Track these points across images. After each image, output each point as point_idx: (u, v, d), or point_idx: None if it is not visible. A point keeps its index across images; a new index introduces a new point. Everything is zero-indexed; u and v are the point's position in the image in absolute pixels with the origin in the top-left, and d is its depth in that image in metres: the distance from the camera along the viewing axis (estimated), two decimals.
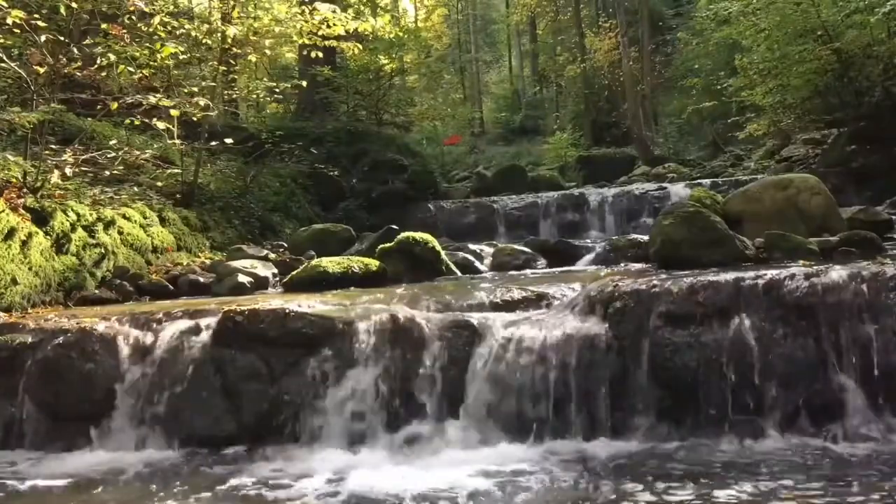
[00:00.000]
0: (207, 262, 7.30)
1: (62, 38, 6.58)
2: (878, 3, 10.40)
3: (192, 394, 4.17)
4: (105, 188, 7.28)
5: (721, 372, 3.78)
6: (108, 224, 6.45)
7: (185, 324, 4.47)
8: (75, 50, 6.62)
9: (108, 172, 7.29)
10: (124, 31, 6.88)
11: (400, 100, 18.14)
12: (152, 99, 6.74)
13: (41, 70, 6.25)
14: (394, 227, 7.41)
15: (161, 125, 7.04)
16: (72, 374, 4.27)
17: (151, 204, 7.57)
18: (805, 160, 13.12)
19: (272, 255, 7.38)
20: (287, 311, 4.29)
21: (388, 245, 6.35)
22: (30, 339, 4.41)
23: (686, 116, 20.96)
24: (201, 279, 6.38)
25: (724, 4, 14.34)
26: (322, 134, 13.54)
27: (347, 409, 3.98)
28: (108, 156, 7.23)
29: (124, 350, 4.32)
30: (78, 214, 6.08)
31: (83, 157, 6.92)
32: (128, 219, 6.81)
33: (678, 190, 11.30)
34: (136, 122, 7.33)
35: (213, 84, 8.67)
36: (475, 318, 4.24)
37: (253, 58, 10.12)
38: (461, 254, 6.91)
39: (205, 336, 4.33)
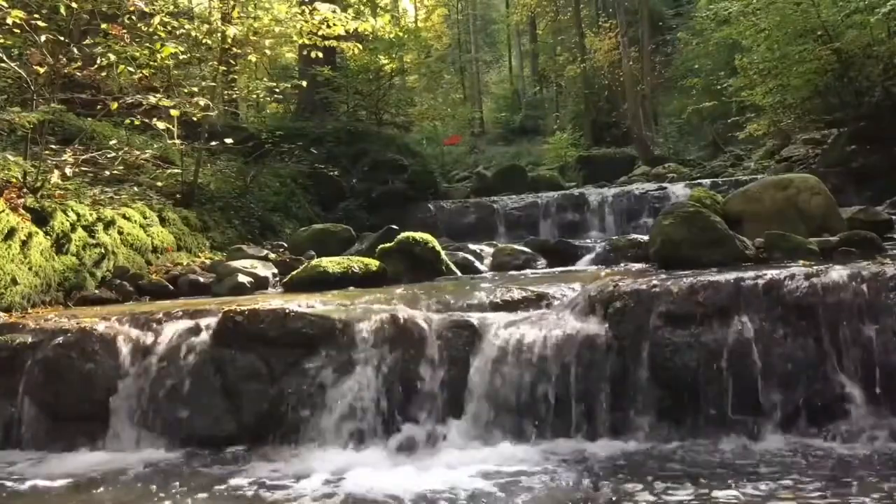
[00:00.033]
0: (207, 262, 7.31)
1: (62, 38, 6.58)
2: (878, 3, 10.39)
3: (192, 394, 4.17)
4: (105, 188, 7.29)
5: (721, 372, 3.78)
6: (108, 224, 6.45)
7: (185, 324, 4.47)
8: (75, 50, 6.63)
9: (108, 172, 7.29)
10: (124, 31, 6.89)
11: (400, 100, 18.14)
12: (152, 99, 6.74)
13: (41, 70, 6.25)
14: (394, 227, 7.42)
15: (161, 125, 7.05)
16: (72, 374, 4.27)
17: (151, 204, 7.57)
18: (805, 160, 13.12)
19: (272, 255, 7.38)
20: (287, 311, 4.29)
21: (388, 245, 6.35)
22: (30, 339, 4.41)
23: (686, 116, 20.96)
24: (201, 279, 6.38)
25: (724, 4, 14.33)
26: (322, 134, 13.54)
27: (347, 409, 3.97)
28: (108, 156, 7.23)
29: (124, 350, 4.32)
30: (78, 214, 6.08)
31: (83, 157, 6.93)
32: (128, 219, 6.81)
33: (678, 190, 11.29)
34: (136, 122, 7.34)
35: (213, 84, 8.67)
36: (475, 318, 4.24)
37: (253, 58, 10.12)
38: (461, 254, 6.91)
39: (205, 336, 4.34)
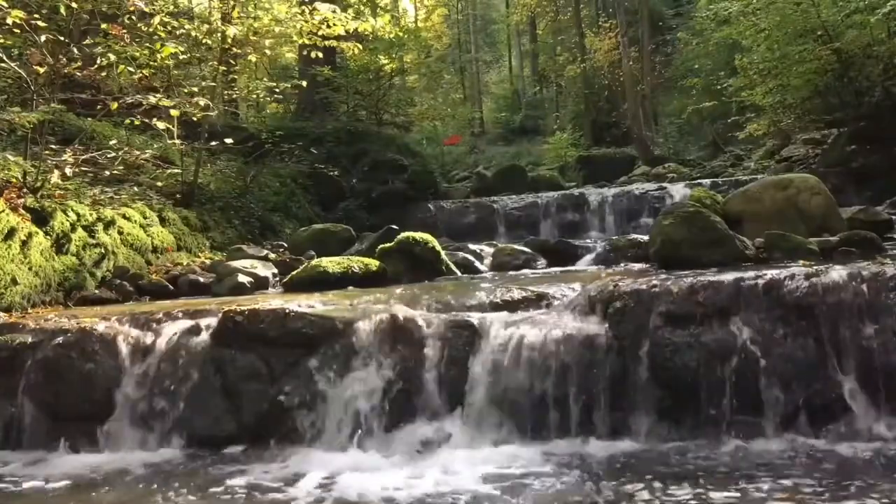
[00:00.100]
0: (207, 262, 7.31)
1: (62, 38, 6.59)
2: (878, 3, 10.40)
3: (192, 394, 4.17)
4: (105, 188, 7.29)
5: (721, 372, 3.78)
6: (108, 224, 6.45)
7: (185, 324, 4.47)
8: (75, 50, 6.63)
9: (108, 172, 7.29)
10: (124, 31, 6.89)
11: (400, 100, 18.14)
12: (152, 99, 6.74)
13: (41, 70, 6.25)
14: (394, 227, 7.42)
15: (161, 125, 7.05)
16: (72, 374, 4.27)
17: (151, 204, 7.57)
18: (805, 160, 13.12)
19: (272, 255, 7.38)
20: (287, 311, 4.29)
21: (388, 245, 6.35)
22: (30, 339, 4.41)
23: (686, 116, 20.96)
24: (201, 279, 6.39)
25: (724, 4, 14.33)
26: (322, 134, 13.54)
27: (347, 410, 3.98)
28: (108, 156, 7.24)
29: (124, 350, 4.32)
30: (78, 214, 6.08)
31: (83, 157, 6.93)
32: (128, 219, 6.81)
33: (678, 190, 11.29)
34: (136, 122, 7.34)
35: (213, 84, 8.67)
36: (475, 318, 4.24)
37: (253, 58, 10.13)
38: (461, 254, 6.91)
39: (205, 336, 4.34)
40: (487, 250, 7.36)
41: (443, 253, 6.44)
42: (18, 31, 6.23)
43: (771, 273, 4.06)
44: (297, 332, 4.21)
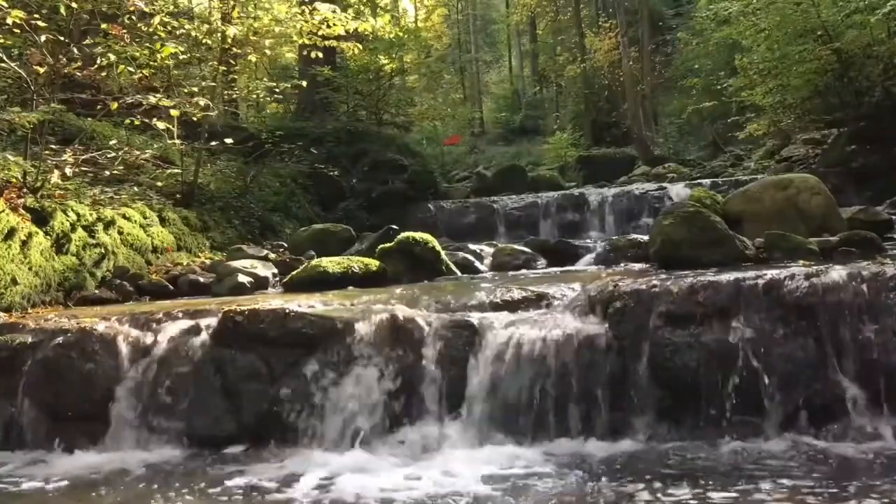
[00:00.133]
0: (207, 262, 7.31)
1: (62, 38, 6.58)
2: (878, 3, 10.40)
3: (192, 394, 4.17)
4: (105, 188, 7.29)
5: (721, 372, 3.78)
6: (108, 224, 6.45)
7: (185, 324, 4.47)
8: (75, 50, 6.63)
9: (108, 172, 7.29)
10: (124, 31, 6.88)
11: (400, 100, 18.14)
12: (152, 99, 6.74)
13: (41, 70, 6.25)
14: (394, 227, 7.42)
15: (161, 125, 7.05)
16: (72, 374, 4.27)
17: (151, 204, 7.57)
18: (805, 160, 13.12)
19: (272, 255, 7.38)
20: (287, 311, 4.29)
21: (388, 245, 6.35)
22: (30, 339, 4.41)
23: (686, 116, 20.96)
24: (201, 279, 6.38)
25: (724, 4, 14.33)
26: (322, 134, 13.54)
27: (347, 410, 3.98)
28: (108, 156, 7.23)
29: (124, 350, 4.32)
30: (78, 214, 6.08)
31: (83, 157, 6.93)
32: (128, 219, 6.81)
33: (678, 190, 11.29)
34: (136, 122, 7.34)
35: (213, 84, 8.67)
36: (475, 318, 4.24)
37: (253, 58, 10.12)
38: (461, 254, 6.91)
39: (205, 336, 4.34)
40: (487, 250, 7.36)
41: (443, 253, 6.43)
42: (18, 31, 6.22)
43: (771, 273, 4.06)
44: (297, 332, 4.21)
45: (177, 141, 7.76)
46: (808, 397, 3.69)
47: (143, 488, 3.51)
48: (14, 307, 5.13)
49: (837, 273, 3.93)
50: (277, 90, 10.33)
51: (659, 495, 3.04)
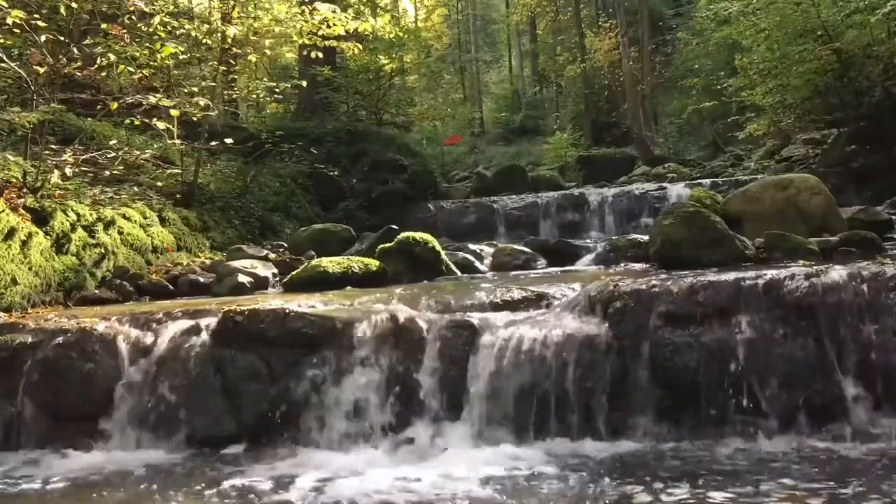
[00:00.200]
0: (207, 262, 7.31)
1: (62, 38, 6.58)
2: (878, 3, 10.40)
3: (192, 394, 4.17)
4: (105, 188, 7.29)
5: (721, 372, 3.78)
6: (108, 224, 6.45)
7: (185, 324, 4.47)
8: (75, 50, 6.63)
9: (108, 172, 7.29)
10: (124, 31, 6.88)
11: (400, 100, 18.14)
12: (152, 99, 6.74)
13: (41, 70, 6.25)
14: (394, 227, 7.42)
15: (161, 125, 7.05)
16: (72, 374, 4.27)
17: (151, 204, 7.57)
18: (805, 160, 13.12)
19: (272, 255, 7.38)
20: (287, 311, 4.29)
21: (388, 245, 6.35)
22: (30, 339, 4.41)
23: (686, 116, 20.96)
24: (201, 279, 6.38)
25: (724, 4, 14.33)
26: (322, 134, 13.54)
27: (347, 410, 3.98)
28: (108, 156, 7.23)
29: (124, 350, 4.32)
30: (78, 214, 6.08)
31: (83, 157, 6.93)
32: (128, 219, 6.81)
33: (678, 190, 11.29)
34: (136, 122, 7.34)
35: (213, 84, 8.67)
36: (475, 318, 4.24)
37: (253, 58, 10.13)
38: (461, 254, 6.91)
39: (205, 336, 4.34)
40: (487, 250, 7.35)
41: (443, 253, 6.43)
42: (18, 31, 6.22)
43: (771, 273, 4.06)
44: (297, 332, 4.21)
45: (177, 141, 7.76)
46: (808, 397, 3.69)
47: (143, 488, 3.51)
48: (14, 307, 5.13)
49: (837, 273, 3.93)
50: (277, 90, 10.34)
51: (659, 496, 3.04)
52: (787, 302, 3.87)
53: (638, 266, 6.02)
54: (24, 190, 5.94)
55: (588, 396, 3.87)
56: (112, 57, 6.78)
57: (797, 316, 3.83)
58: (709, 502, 2.95)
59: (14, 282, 5.18)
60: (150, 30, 7.33)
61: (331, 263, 6.05)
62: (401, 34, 15.07)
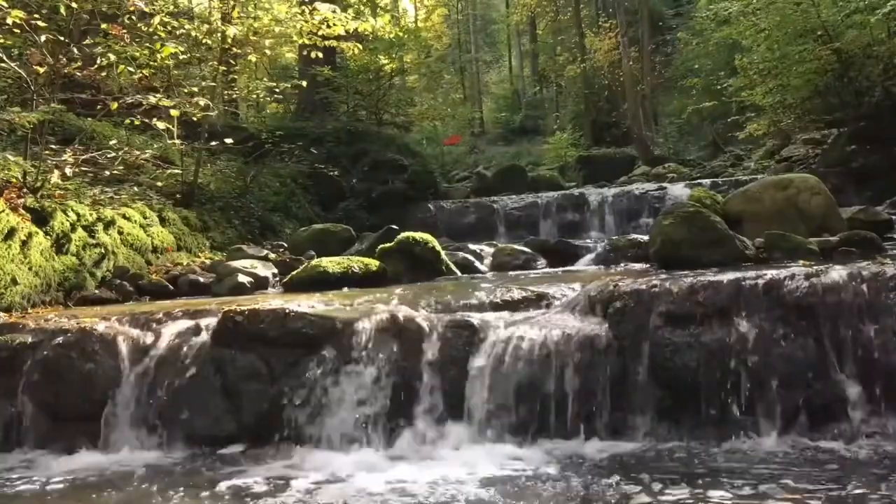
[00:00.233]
0: (207, 262, 7.31)
1: (62, 38, 6.58)
2: (878, 3, 10.40)
3: (192, 394, 4.17)
4: (105, 188, 7.29)
5: (721, 372, 3.78)
6: (108, 224, 6.45)
7: (185, 324, 4.47)
8: (75, 50, 6.62)
9: (108, 172, 7.29)
10: (124, 31, 6.88)
11: (400, 100, 18.14)
12: (152, 99, 6.74)
13: (41, 70, 6.25)
14: (394, 227, 7.42)
15: (161, 125, 7.05)
16: (72, 374, 4.27)
17: (151, 204, 7.57)
18: (805, 160, 13.12)
19: (272, 255, 7.38)
20: (287, 311, 4.29)
21: (388, 245, 6.35)
22: (30, 339, 4.41)
23: (686, 116, 20.96)
24: (201, 279, 6.39)
25: (724, 4, 14.33)
26: (322, 134, 13.55)
27: (347, 410, 3.97)
28: (108, 156, 7.23)
29: (124, 350, 4.32)
30: (78, 214, 6.08)
31: (83, 157, 6.93)
32: (128, 219, 6.81)
33: (678, 190, 11.29)
34: (136, 122, 7.34)
35: (213, 84, 8.67)
36: (475, 318, 4.24)
37: (253, 58, 10.13)
38: (461, 254, 6.91)
39: (205, 336, 4.34)
40: (487, 250, 7.36)
41: (443, 253, 6.43)
42: (18, 31, 6.22)
43: (771, 273, 4.06)
44: (297, 332, 4.21)
45: (177, 141, 7.76)
46: (808, 397, 3.69)
47: (143, 488, 3.51)
48: (14, 307, 5.13)
49: (837, 273, 3.93)
50: (277, 90, 10.34)
51: (658, 496, 3.04)
52: (787, 302, 3.87)
53: (638, 266, 6.02)
54: (24, 190, 5.94)
55: (588, 396, 3.87)
56: (112, 57, 6.78)
57: (797, 316, 3.83)
58: (708, 502, 2.95)
59: (14, 282, 5.18)
60: (150, 30, 7.34)
61: (331, 263, 6.05)
62: (401, 34, 15.08)
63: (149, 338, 4.40)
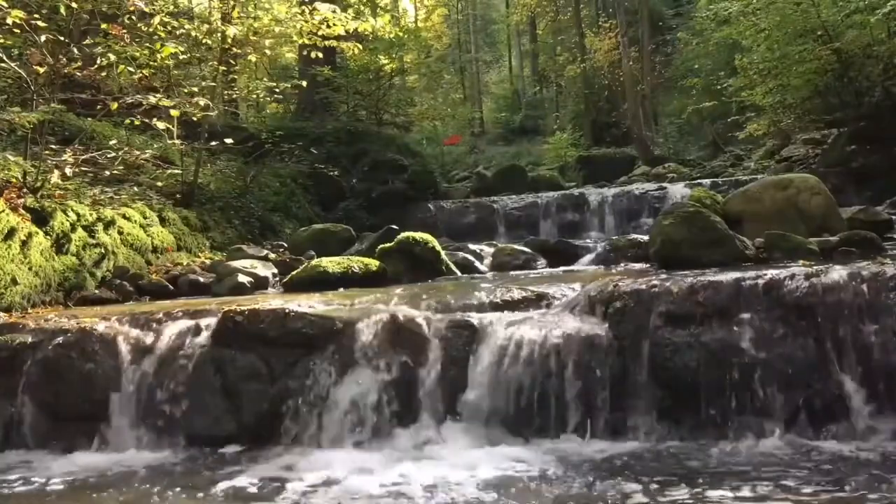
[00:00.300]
0: (207, 262, 7.31)
1: (62, 38, 6.58)
2: (878, 3, 10.40)
3: (192, 394, 4.17)
4: (105, 188, 7.29)
5: (721, 372, 3.78)
6: (108, 224, 6.45)
7: (185, 324, 4.47)
8: (75, 50, 6.62)
9: (108, 172, 7.29)
10: (124, 31, 6.88)
11: (400, 100, 18.14)
12: (152, 99, 6.74)
13: (41, 70, 6.25)
14: (394, 227, 7.42)
15: (161, 125, 7.04)
16: (72, 374, 4.27)
17: (151, 204, 7.57)
18: (805, 160, 13.12)
19: (272, 255, 7.38)
20: (287, 311, 4.29)
21: (388, 245, 6.35)
22: (30, 339, 4.41)
23: (686, 116, 20.96)
24: (201, 279, 6.38)
25: (724, 4, 14.33)
26: (322, 134, 13.55)
27: (347, 410, 3.97)
28: (108, 156, 7.23)
29: (124, 350, 4.32)
30: (78, 214, 6.08)
31: (83, 157, 6.92)
32: (128, 219, 6.81)
33: (678, 190, 11.29)
34: (136, 122, 7.34)
35: (213, 84, 8.67)
36: (475, 318, 4.24)
37: (253, 58, 10.13)
38: (461, 254, 6.91)
39: (205, 336, 4.34)
40: (487, 250, 7.35)
41: (443, 253, 6.43)
42: (18, 31, 6.22)
43: (771, 273, 4.07)
44: (297, 332, 4.21)
45: (177, 141, 7.76)
46: (808, 397, 3.69)
47: (144, 488, 3.51)
48: (14, 307, 5.13)
49: (837, 273, 3.93)
50: (277, 90, 10.34)
51: (658, 496, 3.04)
52: (787, 302, 3.87)
53: (638, 266, 6.02)
54: (24, 190, 5.94)
55: (588, 396, 3.87)
56: (112, 57, 6.78)
57: (797, 316, 3.83)
58: (708, 503, 2.95)
59: (14, 282, 5.18)
60: (150, 30, 7.34)
61: (331, 263, 6.05)
62: (401, 34, 15.07)
63: (149, 338, 4.40)
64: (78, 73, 6.74)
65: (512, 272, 6.59)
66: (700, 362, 3.82)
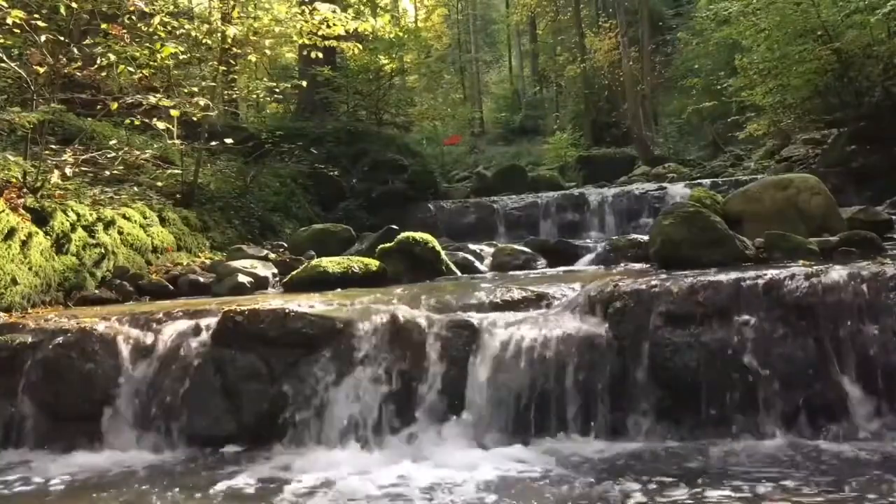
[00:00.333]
0: (207, 262, 7.31)
1: (62, 38, 6.58)
2: (878, 3, 10.40)
3: (192, 394, 4.17)
4: (105, 188, 7.29)
5: (721, 372, 3.79)
6: (108, 224, 6.45)
7: (185, 324, 4.47)
8: (75, 50, 6.62)
9: (108, 172, 7.29)
10: (124, 31, 6.88)
11: (400, 100, 18.14)
12: (152, 99, 6.74)
13: (41, 70, 6.25)
14: (394, 227, 7.42)
15: (161, 125, 7.04)
16: (72, 374, 4.27)
17: (151, 204, 7.57)
18: (805, 160, 13.12)
19: (272, 255, 7.38)
20: (287, 311, 4.29)
21: (388, 245, 6.35)
22: (30, 339, 4.41)
23: (686, 116, 20.96)
24: (201, 279, 6.38)
25: (724, 4, 14.34)
26: (322, 134, 13.55)
27: (347, 410, 3.98)
28: (108, 156, 7.23)
29: (124, 350, 4.32)
30: (78, 214, 6.08)
31: (83, 157, 6.92)
32: (128, 219, 6.81)
33: (678, 190, 11.29)
34: (136, 122, 7.33)
35: (213, 84, 8.67)
36: (475, 318, 4.24)
37: (253, 58, 10.13)
38: (461, 254, 6.91)
39: (205, 336, 4.34)
40: (487, 250, 7.35)
41: (443, 253, 6.43)
42: (18, 31, 6.22)
43: (771, 273, 4.07)
44: (297, 332, 4.21)
45: (177, 141, 7.76)
46: (808, 397, 3.69)
47: (144, 488, 3.51)
48: (14, 307, 5.13)
49: (837, 273, 3.93)
50: (277, 90, 10.34)
51: (657, 496, 3.04)
52: (787, 302, 3.87)
53: (638, 266, 6.02)
54: (24, 190, 5.94)
55: (588, 396, 3.87)
56: (112, 57, 6.78)
57: (797, 316, 3.84)
58: (708, 503, 2.95)
59: (14, 282, 5.18)
60: (150, 30, 7.34)
61: (331, 263, 6.05)
62: (401, 34, 15.08)
63: (149, 338, 4.39)
64: (78, 73, 6.74)
65: (512, 272, 6.59)
66: (700, 362, 3.82)
